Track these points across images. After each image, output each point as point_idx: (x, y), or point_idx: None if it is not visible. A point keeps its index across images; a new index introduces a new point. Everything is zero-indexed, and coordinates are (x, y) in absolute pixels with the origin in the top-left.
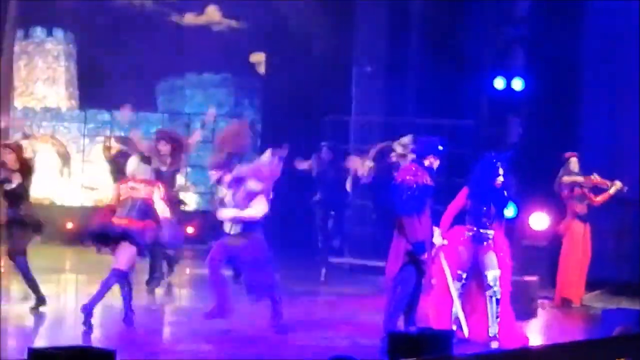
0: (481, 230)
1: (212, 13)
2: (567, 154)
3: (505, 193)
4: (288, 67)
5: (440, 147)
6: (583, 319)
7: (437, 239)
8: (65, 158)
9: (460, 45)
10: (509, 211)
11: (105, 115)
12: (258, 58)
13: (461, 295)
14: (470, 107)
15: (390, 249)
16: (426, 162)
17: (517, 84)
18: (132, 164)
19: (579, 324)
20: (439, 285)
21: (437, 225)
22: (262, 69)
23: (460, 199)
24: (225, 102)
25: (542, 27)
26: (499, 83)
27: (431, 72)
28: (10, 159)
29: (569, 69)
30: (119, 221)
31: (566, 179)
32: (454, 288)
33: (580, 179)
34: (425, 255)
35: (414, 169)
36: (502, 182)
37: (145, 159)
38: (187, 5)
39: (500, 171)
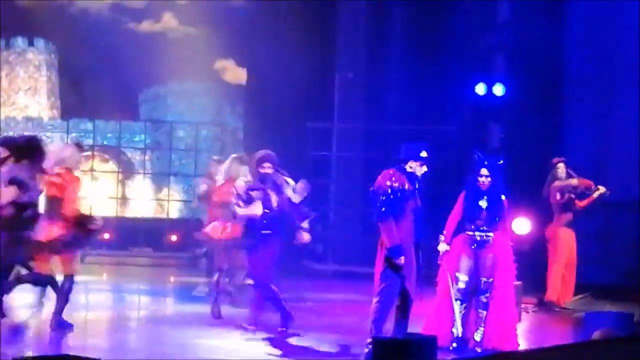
0: (477, 233)
1: (169, 20)
2: (555, 160)
3: (504, 197)
4: (270, 74)
5: (424, 154)
6: (566, 322)
7: (441, 246)
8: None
9: (441, 52)
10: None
11: (87, 124)
12: (223, 65)
13: (463, 301)
14: (452, 112)
15: (378, 256)
16: (407, 168)
17: (498, 90)
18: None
19: (562, 328)
20: (441, 290)
21: (441, 232)
22: (227, 76)
23: (459, 204)
24: (207, 110)
25: (522, 33)
26: (480, 89)
27: (413, 78)
28: None
29: (550, 74)
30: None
31: (558, 183)
32: (454, 293)
33: (574, 181)
34: (402, 260)
35: (391, 173)
36: (490, 182)
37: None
38: (144, 13)
39: (483, 171)
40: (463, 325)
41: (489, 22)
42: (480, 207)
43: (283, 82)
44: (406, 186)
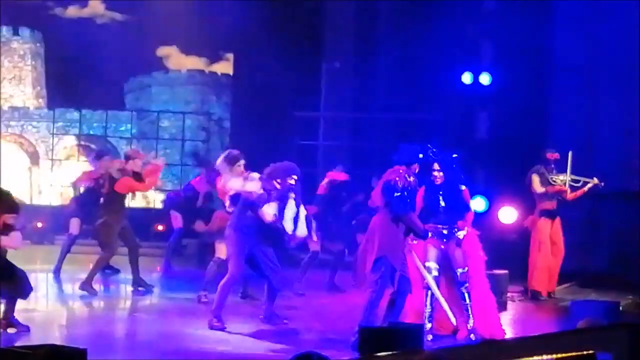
0: (440, 226)
1: (96, 6)
2: (549, 155)
3: (464, 187)
4: (257, 63)
5: (421, 155)
6: (551, 311)
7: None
8: (34, 157)
9: (428, 40)
10: (479, 206)
11: (74, 114)
12: (166, 52)
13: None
14: (439, 101)
15: (364, 245)
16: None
17: (485, 79)
18: None
19: (548, 317)
20: (412, 283)
21: None
22: (170, 64)
23: (419, 199)
24: (192, 99)
25: (509, 21)
26: (467, 78)
27: (399, 67)
28: None
29: (536, 63)
30: None
31: (535, 186)
32: (432, 281)
33: (541, 189)
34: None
35: (401, 172)
36: (444, 177)
37: None
38: None
39: (435, 166)
40: (431, 315)
41: (474, 11)
42: (438, 202)
43: (270, 72)
44: (415, 184)
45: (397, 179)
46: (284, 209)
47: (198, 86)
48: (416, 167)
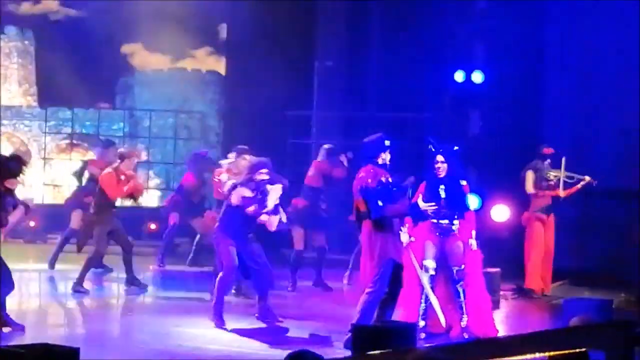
0: (441, 221)
1: (49, 2)
2: (546, 151)
3: (465, 182)
4: (248, 62)
5: (387, 142)
6: (544, 309)
7: (404, 237)
8: (26, 156)
9: (420, 39)
10: (472, 204)
11: (66, 113)
12: (132, 49)
13: (432, 288)
14: (431, 100)
15: (364, 248)
16: (379, 161)
17: (477, 77)
18: None
19: (541, 315)
20: (407, 280)
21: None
22: (135, 60)
23: (419, 193)
24: (173, 98)
25: (501, 20)
26: (459, 76)
27: (392, 66)
28: None
29: (528, 61)
30: None
31: (530, 186)
32: (426, 280)
33: (547, 192)
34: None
35: (372, 170)
36: (447, 169)
37: None
38: None
39: (438, 157)
40: (425, 313)
41: (467, 10)
42: (439, 195)
43: (262, 70)
44: (388, 178)
45: (369, 180)
46: (265, 201)
47: (180, 84)
48: (385, 157)
